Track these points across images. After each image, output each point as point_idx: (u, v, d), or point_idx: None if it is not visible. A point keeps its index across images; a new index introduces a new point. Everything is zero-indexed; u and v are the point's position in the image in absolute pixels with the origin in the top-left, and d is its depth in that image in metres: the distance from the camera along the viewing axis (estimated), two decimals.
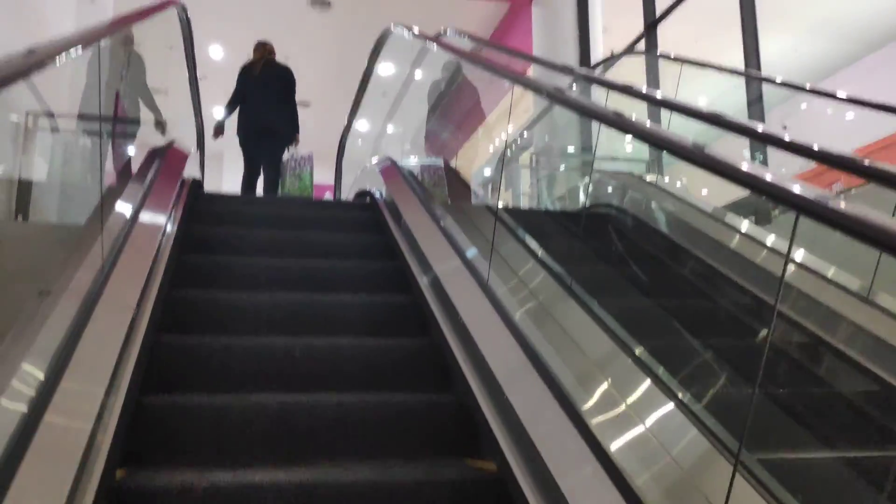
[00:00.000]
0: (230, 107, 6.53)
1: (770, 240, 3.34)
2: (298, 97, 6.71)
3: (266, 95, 6.41)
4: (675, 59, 4.93)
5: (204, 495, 1.68)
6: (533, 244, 3.17)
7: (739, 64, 5.30)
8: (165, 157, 3.98)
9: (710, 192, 4.11)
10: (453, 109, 6.30)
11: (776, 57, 11.03)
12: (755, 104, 4.78)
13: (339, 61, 11.20)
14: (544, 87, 3.05)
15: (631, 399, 1.91)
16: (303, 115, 6.80)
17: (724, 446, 1.65)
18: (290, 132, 6.57)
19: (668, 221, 4.01)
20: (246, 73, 6.56)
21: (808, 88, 4.01)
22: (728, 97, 5.25)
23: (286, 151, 6.69)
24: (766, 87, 5.08)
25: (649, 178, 4.46)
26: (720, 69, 4.66)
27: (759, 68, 5.20)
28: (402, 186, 4.06)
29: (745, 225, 3.59)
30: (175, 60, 6.41)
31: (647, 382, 1.95)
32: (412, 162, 6.06)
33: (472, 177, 6.33)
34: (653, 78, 6.04)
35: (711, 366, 2.51)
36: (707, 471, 1.62)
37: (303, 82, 6.97)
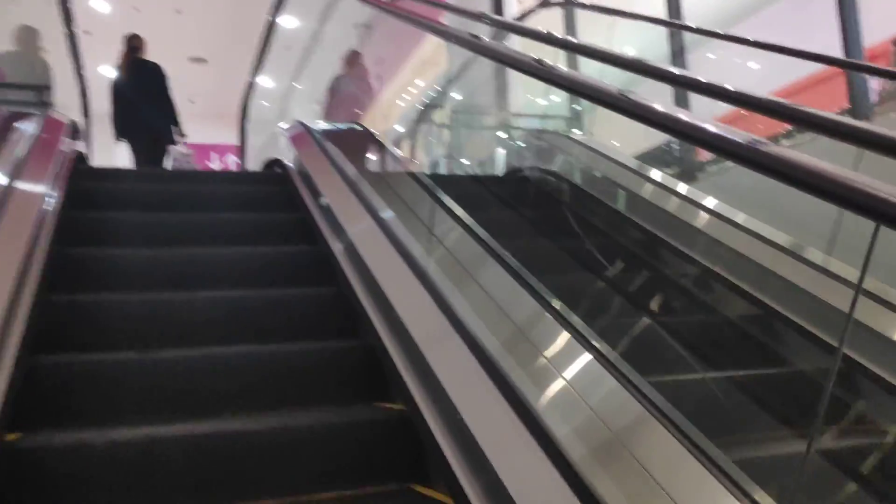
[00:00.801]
0: (114, 119, 6.13)
1: (676, 186, 3.36)
2: (194, 53, 6.23)
3: (138, 98, 6.05)
4: (591, 7, 4.73)
5: (104, 452, 1.64)
6: (453, 207, 2.97)
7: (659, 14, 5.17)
8: (41, 126, 3.52)
9: (630, 142, 4.05)
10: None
11: (686, 4, 11.22)
12: (679, 56, 4.67)
13: (237, 12, 10.56)
14: (459, 34, 2.83)
15: (545, 346, 1.91)
16: (200, 73, 6.32)
17: (637, 389, 1.61)
18: (169, 132, 6.25)
19: (592, 179, 3.89)
20: (116, 81, 6.21)
21: (724, 35, 3.92)
22: (652, 51, 5.15)
23: (167, 152, 6.39)
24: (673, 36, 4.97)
25: (574, 134, 4.31)
26: (635, 17, 4.51)
27: (679, 18, 5.09)
28: (318, 155, 3.75)
29: (673, 184, 3.52)
30: (55, 13, 5.79)
31: (563, 333, 1.92)
32: (326, 126, 5.72)
33: (389, 139, 6.07)
34: (571, 31, 5.86)
35: (620, 307, 2.63)
36: (616, 410, 1.62)
37: (199, 37, 6.47)
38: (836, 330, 2.30)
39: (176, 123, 6.27)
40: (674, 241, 3.18)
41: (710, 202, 3.23)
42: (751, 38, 3.82)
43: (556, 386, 1.72)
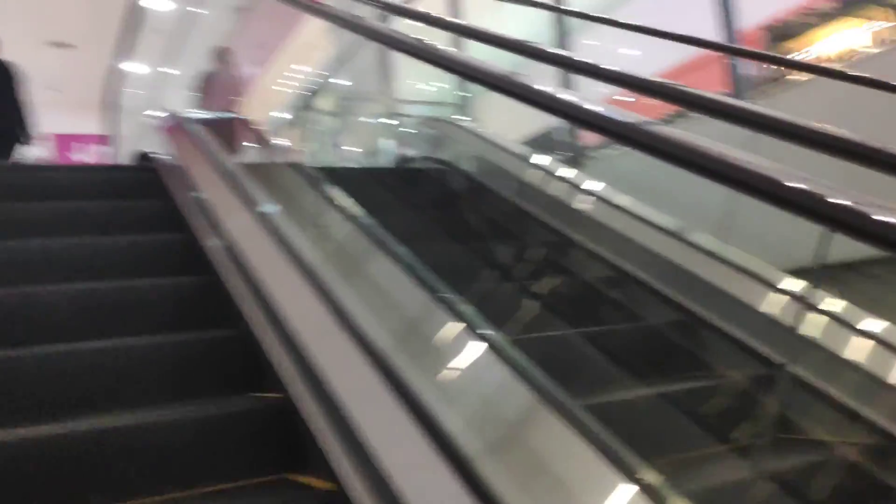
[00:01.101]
0: None
1: (565, 174, 3.36)
2: (59, 38, 5.74)
3: None
4: None
5: None
6: (337, 198, 2.84)
7: None
8: None
9: (517, 127, 4.04)
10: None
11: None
12: (563, 42, 4.67)
13: None
14: (340, 14, 2.68)
15: (433, 335, 1.90)
16: (66, 59, 5.83)
17: (527, 376, 1.62)
18: (16, 134, 5.80)
19: (481, 167, 3.84)
20: None
21: (606, 19, 3.94)
22: (538, 38, 5.13)
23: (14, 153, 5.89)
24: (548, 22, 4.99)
25: (462, 122, 4.23)
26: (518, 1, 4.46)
27: (563, 3, 5.09)
28: (191, 145, 3.49)
29: (558, 169, 3.53)
30: None
31: (452, 322, 1.90)
32: (201, 115, 5.40)
33: (272, 127, 5.80)
34: (456, 15, 5.77)
35: (511, 294, 2.63)
36: (505, 398, 1.64)
37: (63, 20, 5.96)
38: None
39: (27, 127, 5.83)
40: (562, 227, 3.23)
41: (591, 185, 3.30)
42: (632, 22, 3.88)
43: (445, 375, 1.73)
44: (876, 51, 3.91)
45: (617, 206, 3.17)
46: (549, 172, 3.51)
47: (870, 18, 4.47)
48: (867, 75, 2.54)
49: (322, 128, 5.86)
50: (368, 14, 4.04)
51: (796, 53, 4.81)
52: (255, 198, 2.68)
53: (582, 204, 3.28)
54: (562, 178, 3.44)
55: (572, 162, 4.26)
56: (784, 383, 2.31)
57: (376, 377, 1.63)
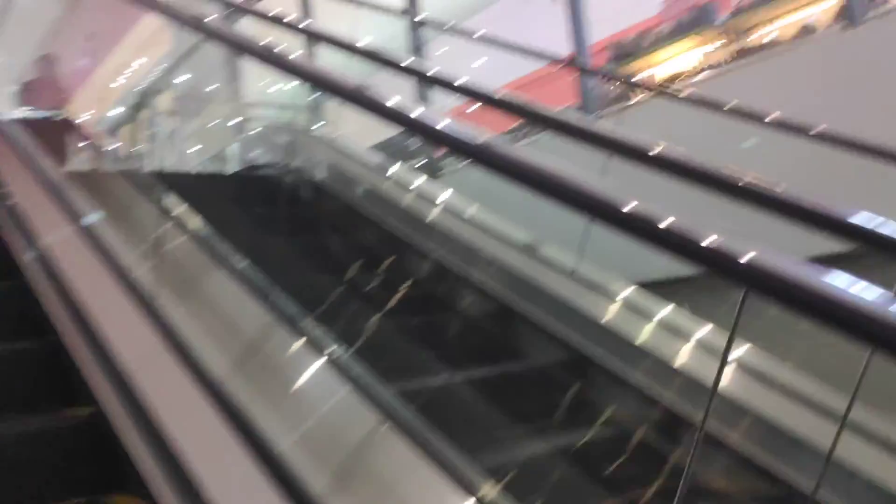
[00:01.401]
0: None
1: (415, 182, 3.31)
2: None
3: None
4: None
5: None
6: (174, 207, 2.63)
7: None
8: None
9: (370, 131, 3.95)
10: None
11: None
12: (419, 50, 4.63)
13: None
14: (177, 11, 2.48)
15: (269, 353, 1.85)
16: None
17: (373, 400, 1.60)
18: None
19: (331, 175, 3.71)
20: None
21: (463, 31, 3.96)
22: (394, 44, 5.06)
23: None
24: (395, 35, 4.96)
25: (313, 127, 4.08)
26: (373, 6, 4.39)
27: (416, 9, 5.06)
28: (8, 152, 3.12)
29: (409, 178, 3.48)
30: None
31: (290, 338, 1.85)
32: (21, 115, 4.87)
33: (105, 127, 5.35)
34: (308, 17, 5.58)
35: (356, 310, 2.54)
36: (344, 420, 1.60)
37: None
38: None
39: None
40: (410, 236, 3.21)
41: (437, 193, 3.29)
42: (480, 33, 3.91)
43: (279, 393, 1.68)
44: (702, 76, 4.17)
45: (463, 217, 3.17)
46: (398, 182, 3.44)
47: (705, 41, 4.78)
48: (700, 96, 2.69)
49: (163, 129, 5.48)
50: (214, 9, 3.82)
51: (646, 72, 5.05)
52: (79, 209, 2.43)
53: (429, 213, 3.24)
54: (410, 188, 3.39)
55: (427, 168, 4.23)
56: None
57: (201, 395, 1.55)
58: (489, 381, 2.40)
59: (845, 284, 0.76)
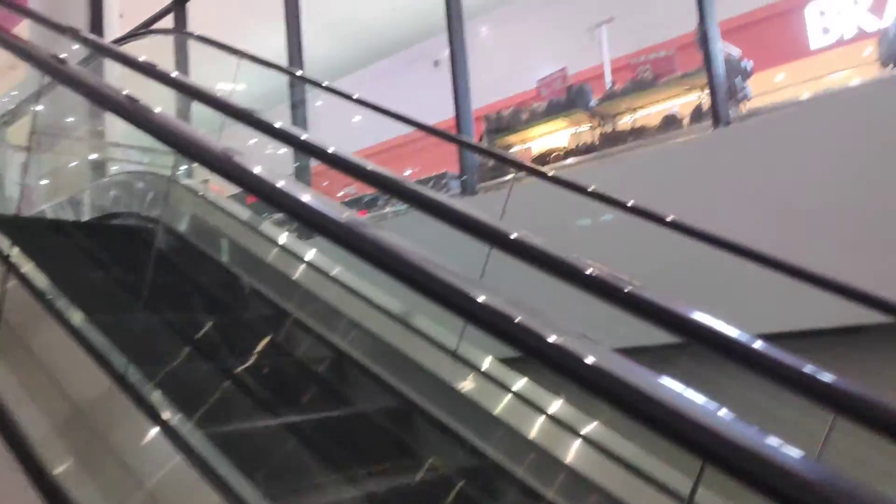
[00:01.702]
0: None
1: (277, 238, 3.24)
2: None
3: None
4: (202, 40, 4.35)
5: None
6: (15, 257, 2.40)
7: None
8: None
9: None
10: None
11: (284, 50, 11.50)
12: (300, 105, 4.55)
13: None
14: (34, 51, 2.30)
15: (100, 417, 1.75)
16: None
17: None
18: None
19: (199, 229, 3.52)
20: None
21: (339, 91, 3.93)
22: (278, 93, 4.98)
23: None
24: (275, 82, 4.89)
25: (182, 177, 3.87)
26: (253, 59, 4.30)
27: (301, 63, 5.00)
28: None
29: (274, 235, 3.36)
30: None
31: (127, 404, 1.74)
32: None
33: None
34: (182, 65, 5.37)
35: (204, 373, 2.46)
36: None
37: None
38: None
39: None
40: (274, 297, 3.10)
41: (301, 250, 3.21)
42: (357, 96, 3.90)
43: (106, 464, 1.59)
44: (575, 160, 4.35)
45: (328, 276, 3.09)
46: (264, 237, 3.31)
47: (575, 122, 5.00)
48: (575, 180, 2.77)
49: (9, 166, 5.04)
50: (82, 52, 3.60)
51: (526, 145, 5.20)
52: None
53: (293, 272, 3.14)
54: (276, 243, 3.26)
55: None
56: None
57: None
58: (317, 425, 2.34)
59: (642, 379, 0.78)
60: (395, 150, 10.40)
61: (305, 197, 1.32)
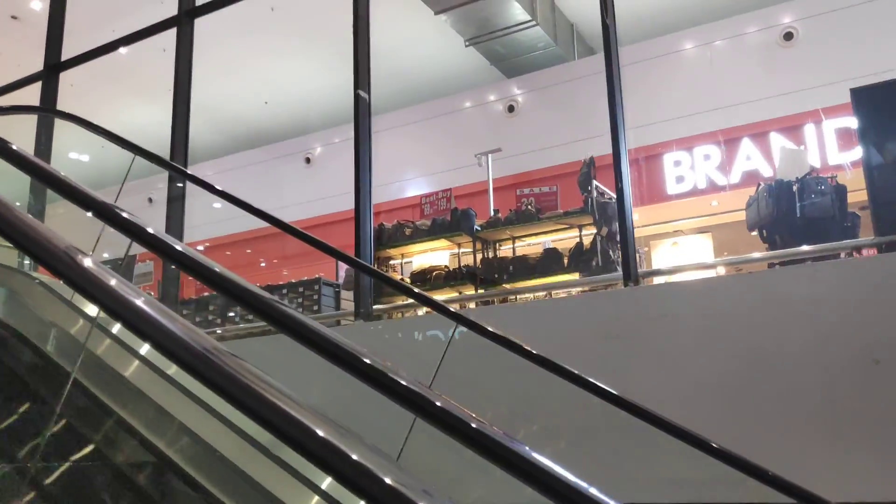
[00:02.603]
0: None
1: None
2: None
3: None
4: (70, 118, 3.96)
5: None
6: None
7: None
8: None
9: None
10: None
11: (149, 127, 11.06)
12: (176, 201, 4.25)
13: None
14: None
15: None
16: None
17: None
18: None
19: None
20: None
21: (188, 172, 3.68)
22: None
23: None
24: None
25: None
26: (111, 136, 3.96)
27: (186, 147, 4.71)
28: None
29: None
30: None
31: None
32: None
33: None
34: (46, 134, 4.92)
35: None
36: None
37: None
38: None
39: None
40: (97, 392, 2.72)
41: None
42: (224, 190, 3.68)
43: None
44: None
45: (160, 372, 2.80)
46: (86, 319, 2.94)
47: (457, 244, 5.02)
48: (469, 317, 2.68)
49: None
50: None
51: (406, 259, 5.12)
52: None
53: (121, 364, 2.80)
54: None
55: None
56: None
57: None
58: None
59: None
60: (261, 240, 10.10)
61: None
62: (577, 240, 4.51)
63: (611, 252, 4.24)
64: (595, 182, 4.43)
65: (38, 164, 1.69)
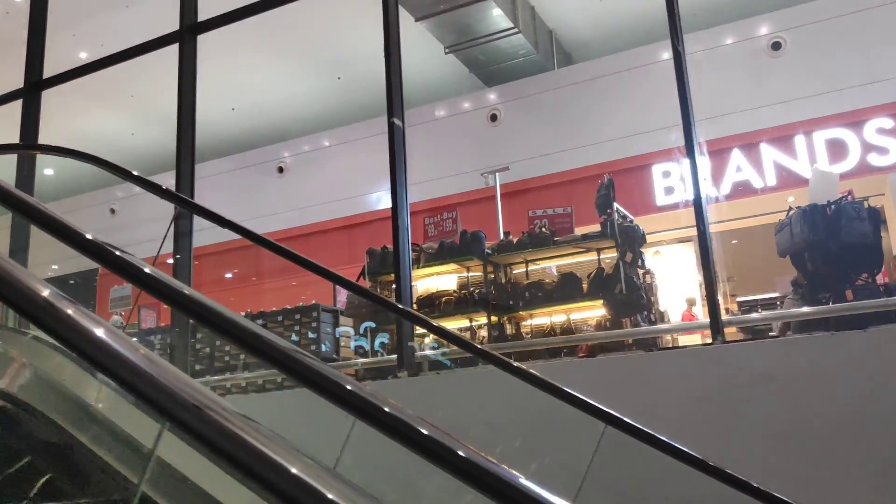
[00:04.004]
0: None
1: None
2: None
3: None
4: (51, 150, 3.61)
5: None
6: None
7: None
8: None
9: None
10: None
11: (112, 136, 10.59)
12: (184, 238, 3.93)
13: None
14: None
15: None
16: None
17: None
18: None
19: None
20: None
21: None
22: None
23: None
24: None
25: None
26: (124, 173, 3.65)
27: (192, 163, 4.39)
28: None
29: None
30: None
31: None
32: None
33: None
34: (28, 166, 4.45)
35: None
36: None
37: None
38: None
39: None
40: None
41: None
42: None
43: None
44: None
45: None
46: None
47: (465, 268, 4.80)
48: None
49: None
50: None
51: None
52: None
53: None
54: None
55: None
56: None
57: None
58: None
59: None
60: (234, 252, 9.69)
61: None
62: (596, 265, 4.34)
63: (635, 278, 4.08)
64: (616, 205, 4.27)
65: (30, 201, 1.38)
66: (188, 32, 4.28)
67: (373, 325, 4.46)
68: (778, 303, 6.07)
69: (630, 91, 7.90)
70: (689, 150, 3.25)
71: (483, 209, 6.96)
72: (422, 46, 8.52)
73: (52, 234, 1.28)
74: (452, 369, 3.14)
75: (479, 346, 2.47)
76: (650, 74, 7.75)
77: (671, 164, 7.46)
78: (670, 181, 7.48)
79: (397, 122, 3.54)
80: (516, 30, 8.33)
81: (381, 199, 8.98)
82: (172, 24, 4.44)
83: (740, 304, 7.06)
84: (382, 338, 4.45)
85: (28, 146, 3.31)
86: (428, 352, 3.53)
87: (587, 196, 7.16)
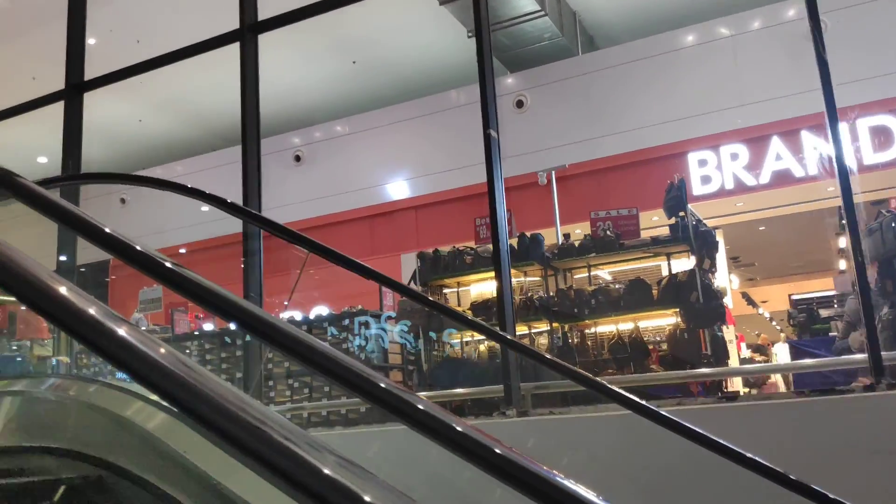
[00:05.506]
0: None
1: None
2: None
3: None
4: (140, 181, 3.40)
5: None
6: None
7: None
8: None
9: None
10: None
11: (119, 122, 10.27)
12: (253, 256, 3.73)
13: None
14: None
15: None
16: None
17: None
18: None
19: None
20: None
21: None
22: None
23: None
24: None
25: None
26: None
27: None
28: None
29: None
30: None
31: None
32: None
33: None
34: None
35: None
36: None
37: None
38: None
39: None
40: None
41: None
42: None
43: None
44: None
45: None
46: None
47: (523, 272, 4.62)
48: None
49: None
50: None
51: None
52: None
53: None
54: None
55: None
56: None
57: None
58: None
59: None
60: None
61: None
62: (667, 271, 4.16)
63: (712, 286, 3.91)
64: (689, 207, 4.08)
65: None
66: (249, 31, 4.02)
67: (433, 334, 4.29)
68: (835, 302, 5.93)
69: (665, 76, 7.67)
70: (832, 117, 3.02)
71: (513, 197, 6.73)
72: (445, 31, 8.27)
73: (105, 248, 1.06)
74: (568, 410, 2.92)
75: (626, 395, 2.17)
76: (695, 57, 7.53)
77: (707, 153, 7.27)
78: (706, 170, 7.29)
79: (493, 133, 3.33)
80: (543, 12, 8.09)
81: (403, 189, 8.76)
82: (209, 23, 4.20)
83: (795, 302, 6.91)
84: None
85: (110, 176, 3.07)
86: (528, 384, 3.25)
87: (620, 185, 6.95)
